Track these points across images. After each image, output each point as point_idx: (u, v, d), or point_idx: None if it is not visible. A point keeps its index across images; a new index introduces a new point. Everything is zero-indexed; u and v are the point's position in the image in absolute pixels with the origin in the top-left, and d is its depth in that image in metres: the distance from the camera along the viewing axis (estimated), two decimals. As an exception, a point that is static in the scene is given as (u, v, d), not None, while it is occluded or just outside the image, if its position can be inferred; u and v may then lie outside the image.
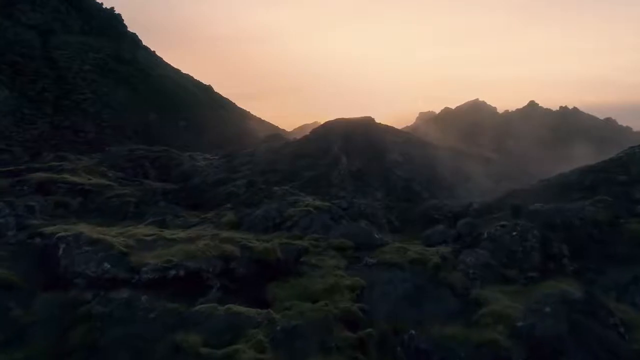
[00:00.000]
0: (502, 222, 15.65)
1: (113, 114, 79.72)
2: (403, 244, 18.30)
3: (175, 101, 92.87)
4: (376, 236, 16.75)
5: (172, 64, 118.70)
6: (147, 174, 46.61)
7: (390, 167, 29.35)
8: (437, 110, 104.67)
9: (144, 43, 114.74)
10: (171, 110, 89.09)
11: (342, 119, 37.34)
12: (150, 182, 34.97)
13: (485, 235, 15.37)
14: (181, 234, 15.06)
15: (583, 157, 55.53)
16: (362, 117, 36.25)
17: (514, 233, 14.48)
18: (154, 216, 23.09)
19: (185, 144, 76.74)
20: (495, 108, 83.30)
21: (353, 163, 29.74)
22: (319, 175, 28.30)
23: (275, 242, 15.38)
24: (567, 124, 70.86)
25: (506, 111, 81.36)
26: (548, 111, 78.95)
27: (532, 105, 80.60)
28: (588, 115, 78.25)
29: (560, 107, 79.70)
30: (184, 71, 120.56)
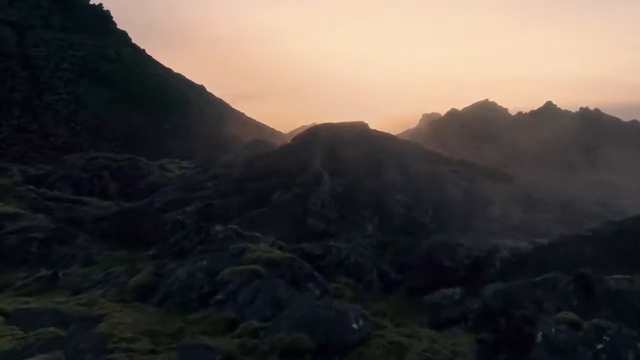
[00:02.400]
0: (567, 314, 9.10)
1: (90, 115, 73.42)
2: (398, 328, 11.82)
3: (161, 102, 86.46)
4: (354, 326, 10.22)
5: (171, 64, 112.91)
6: (106, 188, 40.22)
7: (387, 188, 22.82)
8: (442, 112, 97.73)
9: (143, 43, 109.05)
10: (156, 112, 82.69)
11: (329, 124, 30.89)
12: (92, 202, 28.56)
13: (540, 338, 8.82)
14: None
15: (620, 168, 48.70)
16: (352, 122, 29.69)
17: (599, 346, 7.92)
18: (51, 264, 16.72)
19: (167, 148, 70.52)
20: (506, 109, 75.89)
21: (338, 182, 23.22)
22: (293, 199, 21.79)
23: (173, 349, 8.92)
24: (590, 128, 63.44)
25: (519, 113, 74.05)
26: (567, 113, 71.38)
27: (549, 106, 72.85)
28: (611, 117, 70.83)
29: (581, 108, 72.04)
30: (183, 71, 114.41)
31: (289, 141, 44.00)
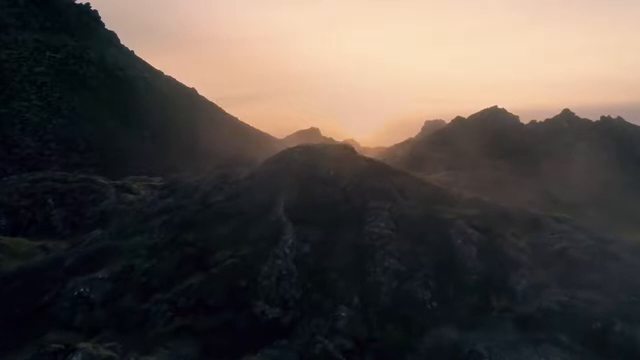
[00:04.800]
0: None
1: (63, 123, 67.40)
2: None
3: (143, 107, 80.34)
4: None
5: (166, 66, 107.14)
6: (49, 217, 34.28)
7: (373, 246, 16.66)
8: (446, 118, 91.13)
9: (139, 44, 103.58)
10: (136, 119, 76.52)
11: (308, 145, 24.87)
12: (6, 247, 22.49)
13: None
14: None
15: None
16: (337, 145, 23.66)
17: None
18: None
19: (144, 160, 64.51)
20: (517, 117, 68.51)
21: (307, 235, 17.11)
22: (239, 265, 15.66)
23: None
24: (616, 141, 56.49)
25: (532, 121, 66.99)
26: (587, 122, 63.87)
27: (567, 114, 65.41)
28: (635, 126, 63.46)
29: (602, 117, 64.72)
30: (177, 74, 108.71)
31: (285, 148, 37.74)
